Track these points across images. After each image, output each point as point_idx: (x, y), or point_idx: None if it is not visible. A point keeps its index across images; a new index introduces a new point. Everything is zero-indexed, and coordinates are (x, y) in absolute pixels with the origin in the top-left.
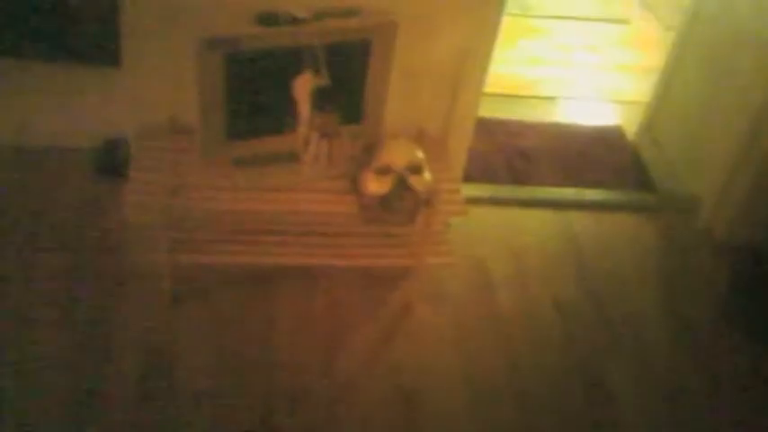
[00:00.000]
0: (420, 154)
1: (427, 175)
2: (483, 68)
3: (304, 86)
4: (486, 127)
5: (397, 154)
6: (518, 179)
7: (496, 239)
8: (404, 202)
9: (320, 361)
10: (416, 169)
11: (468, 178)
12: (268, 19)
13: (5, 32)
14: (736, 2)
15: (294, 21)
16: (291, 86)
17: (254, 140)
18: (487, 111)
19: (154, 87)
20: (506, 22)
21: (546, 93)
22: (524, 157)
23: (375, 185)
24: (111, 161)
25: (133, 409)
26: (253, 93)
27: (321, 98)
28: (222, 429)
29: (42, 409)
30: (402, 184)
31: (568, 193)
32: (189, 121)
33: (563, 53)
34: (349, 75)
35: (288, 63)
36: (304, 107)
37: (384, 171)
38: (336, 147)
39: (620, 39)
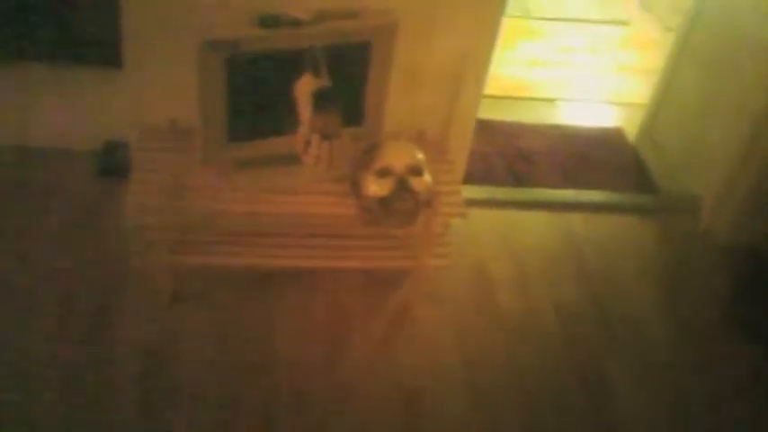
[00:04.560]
0: (420, 155)
1: (427, 177)
2: (483, 70)
3: (305, 88)
4: (487, 129)
5: (398, 156)
6: (518, 181)
7: (496, 241)
8: (404, 204)
9: (321, 362)
10: (416, 171)
11: (469, 180)
12: (269, 21)
13: (6, 34)
14: (736, 3)
15: (295, 23)
16: (292, 88)
17: (255, 142)
18: (487, 112)
19: (155, 89)
20: (506, 23)
21: (546, 94)
22: (525, 159)
23: (375, 187)
24: (112, 163)
25: (133, 409)
26: (254, 95)
27: (322, 100)
28: (223, 430)
29: (42, 410)
30: (402, 186)
31: (569, 194)
32: (190, 123)
33: (563, 55)
34: (349, 76)
35: (289, 65)
36: (305, 109)
37: (384, 173)
38: (337, 148)
39: (621, 40)
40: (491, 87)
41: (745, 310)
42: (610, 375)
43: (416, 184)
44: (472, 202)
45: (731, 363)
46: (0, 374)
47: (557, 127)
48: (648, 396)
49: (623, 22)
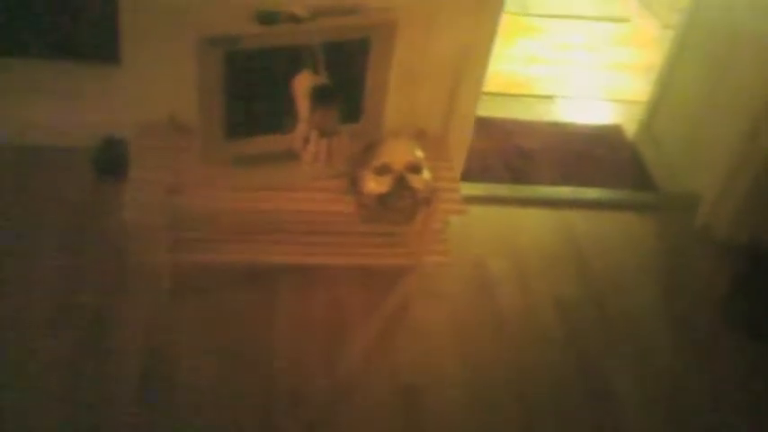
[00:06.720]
0: (419, 153)
1: (426, 174)
2: (482, 67)
3: (303, 85)
4: (485, 126)
5: (397, 153)
6: (517, 178)
7: (495, 238)
8: (403, 201)
9: (320, 359)
10: (415, 168)
11: (467, 177)
12: (268, 17)
13: (5, 30)
14: (734, 0)
15: (294, 19)
16: (291, 85)
17: (254, 139)
18: (486, 110)
19: (153, 86)
20: (505, 20)
21: (545, 92)
22: (523, 156)
23: (374, 184)
24: (111, 160)
25: (133, 408)
26: (252, 91)
27: (320, 97)
28: (222, 429)
29: (42, 410)
30: (401, 183)
31: (567, 191)
32: (188, 120)
33: (562, 52)
34: (348, 73)
35: (287, 61)
36: (303, 106)
37: (383, 170)
38: (336, 145)
39: (619, 37)
40: (489, 84)
41: (743, 307)
42: (609, 373)
43: (415, 181)
44: (471, 200)
45: (730, 359)
46: (0, 372)
47: (555, 124)
48: (648, 394)
49: (622, 19)
